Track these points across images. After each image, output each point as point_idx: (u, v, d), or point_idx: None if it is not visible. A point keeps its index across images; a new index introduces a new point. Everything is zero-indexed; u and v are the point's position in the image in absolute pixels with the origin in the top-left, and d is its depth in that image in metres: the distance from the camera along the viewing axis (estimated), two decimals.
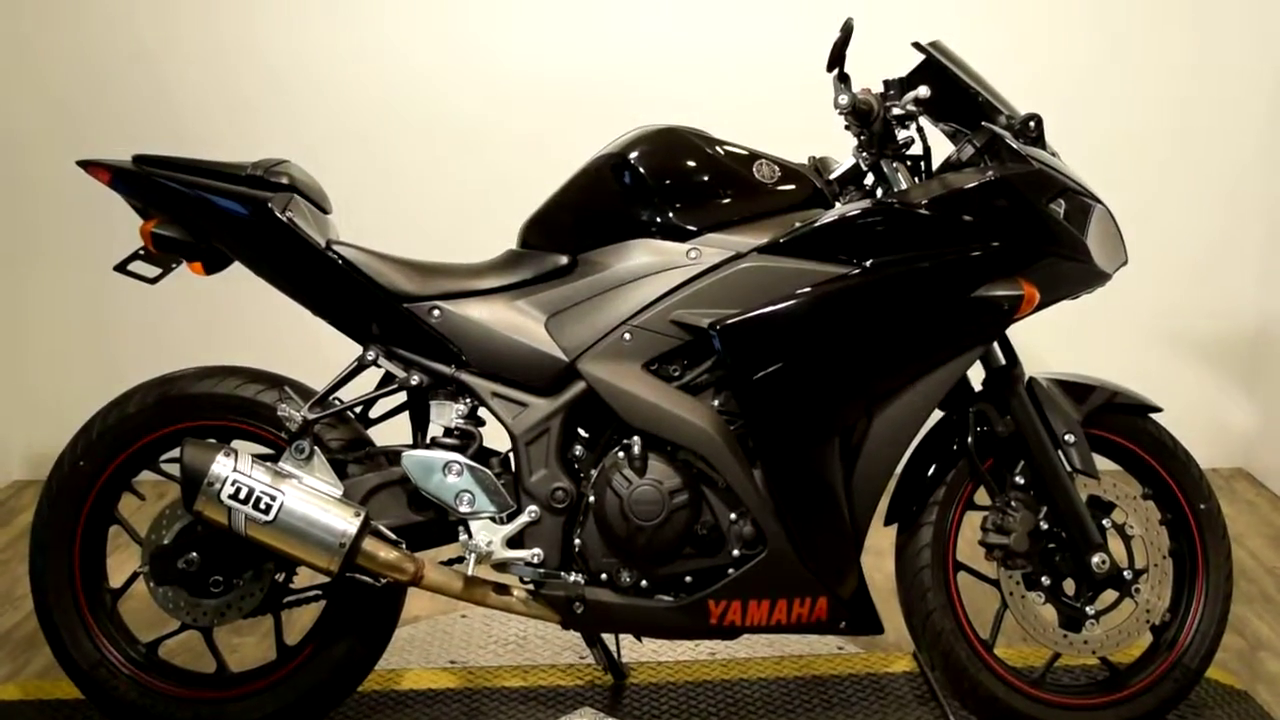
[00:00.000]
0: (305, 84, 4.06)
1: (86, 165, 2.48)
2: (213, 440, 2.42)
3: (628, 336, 2.41)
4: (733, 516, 2.44)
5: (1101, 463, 2.55)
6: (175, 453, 2.37)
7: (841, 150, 2.60)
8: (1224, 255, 4.26)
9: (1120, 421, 2.61)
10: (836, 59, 2.45)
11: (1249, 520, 3.96)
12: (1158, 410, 2.62)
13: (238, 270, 2.52)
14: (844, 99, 2.40)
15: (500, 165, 4.03)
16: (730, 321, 2.34)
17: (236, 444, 2.41)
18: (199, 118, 4.04)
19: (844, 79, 2.45)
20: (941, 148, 2.55)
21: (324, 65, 4.06)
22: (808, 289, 2.34)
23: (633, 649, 2.94)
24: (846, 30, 2.43)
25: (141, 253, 2.51)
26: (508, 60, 4.07)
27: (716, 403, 2.43)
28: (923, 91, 2.42)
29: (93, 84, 4.04)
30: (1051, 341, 3.74)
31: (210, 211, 2.43)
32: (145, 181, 2.44)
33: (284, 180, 2.44)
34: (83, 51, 4.03)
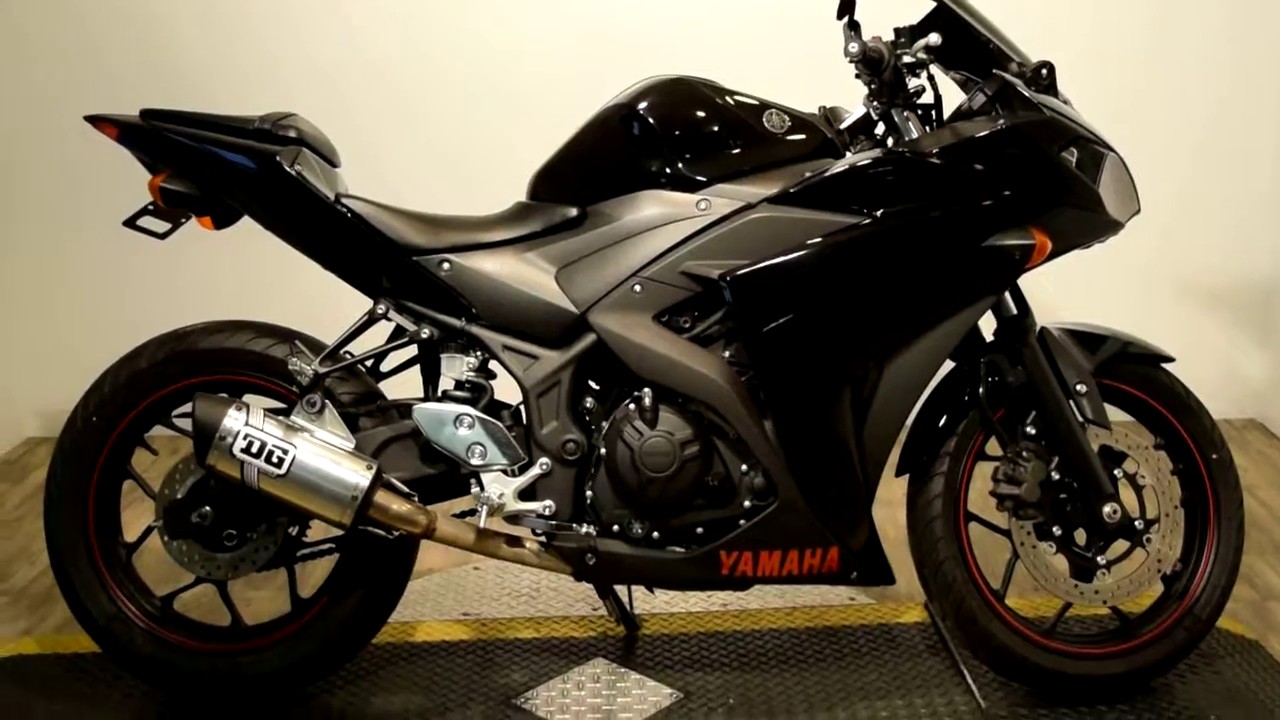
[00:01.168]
0: (318, 35, 4.04)
1: (94, 120, 2.47)
2: (224, 395, 2.42)
3: (638, 288, 2.40)
4: (744, 468, 2.44)
5: (1114, 413, 2.54)
6: (187, 408, 2.37)
7: (854, 99, 2.58)
8: (1239, 204, 4.23)
9: (1132, 371, 2.60)
10: (847, 6, 2.43)
11: (1261, 471, 3.95)
12: (1170, 360, 2.61)
13: (248, 224, 2.51)
14: (854, 47, 2.38)
15: (510, 116, 4.02)
16: (741, 272, 2.33)
17: (248, 398, 2.42)
18: (205, 71, 4.02)
19: (854, 27, 2.43)
20: (953, 96, 2.53)
21: (331, 14, 4.03)
22: (818, 239, 2.33)
23: (645, 600, 2.95)
24: None
25: (150, 208, 2.51)
26: (516, 10, 4.05)
27: (727, 354, 2.43)
28: (933, 39, 2.39)
29: (107, 37, 4.02)
30: (1064, 291, 3.72)
31: (219, 166, 2.42)
32: (153, 136, 2.44)
33: (292, 134, 2.43)
34: (97, 4, 4.01)
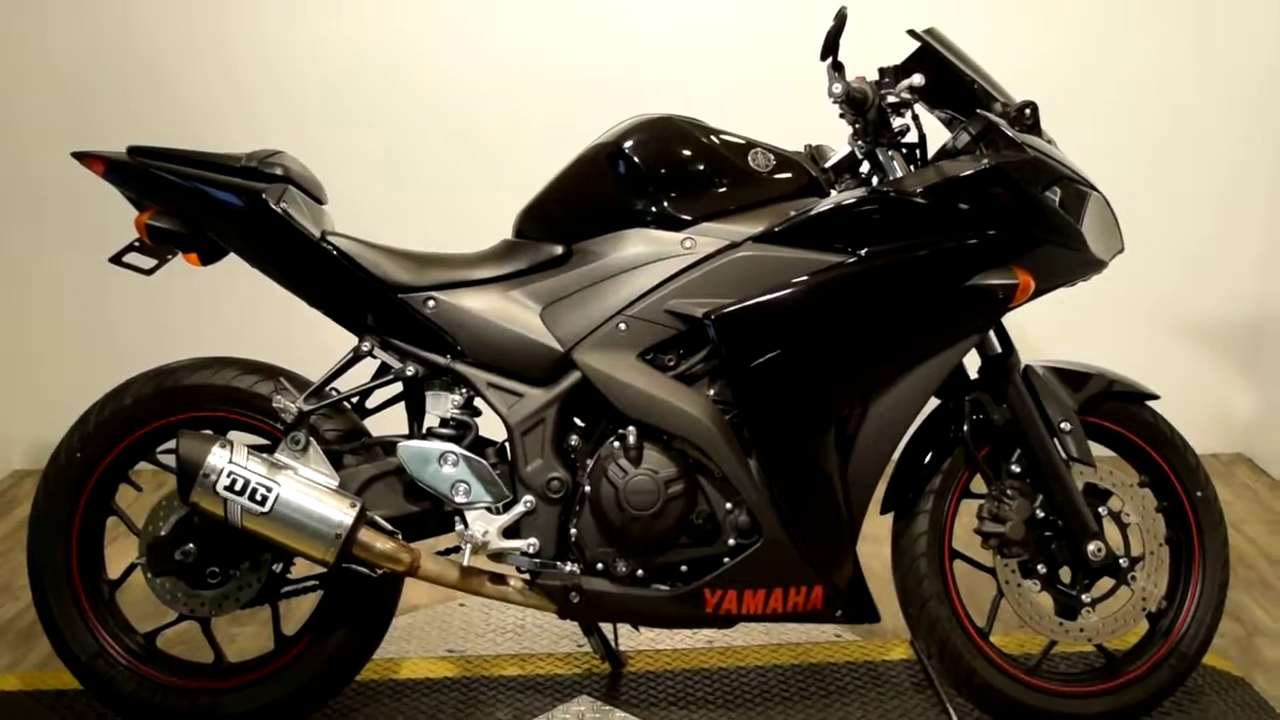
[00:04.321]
0: (303, 74, 4.05)
1: (81, 157, 2.48)
2: (209, 432, 2.43)
3: (623, 326, 2.41)
4: (728, 506, 2.44)
5: (1099, 450, 2.55)
6: (171, 444, 2.37)
7: (838, 138, 2.59)
8: (1225, 241, 4.25)
9: (1117, 409, 2.61)
10: (830, 47, 2.44)
11: (1248, 506, 3.95)
12: (1155, 398, 2.62)
13: (235, 260, 2.51)
14: (838, 87, 2.39)
15: (495, 155, 4.03)
16: (725, 311, 2.34)
17: (233, 435, 2.42)
18: (197, 107, 4.03)
19: (838, 67, 2.45)
20: (938, 135, 2.54)
21: (322, 54, 4.05)
22: (802, 278, 2.34)
23: (630, 637, 2.94)
24: (840, 19, 2.42)
25: (136, 244, 2.51)
26: (503, 49, 4.06)
27: (711, 392, 2.43)
28: (917, 79, 2.41)
29: (92, 74, 4.03)
30: (1051, 328, 3.74)
31: (205, 203, 2.43)
32: (139, 173, 2.44)
33: (278, 171, 2.44)
34: (83, 42, 4.02)
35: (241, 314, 3.86)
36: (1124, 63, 4.10)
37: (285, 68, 4.05)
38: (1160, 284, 4.24)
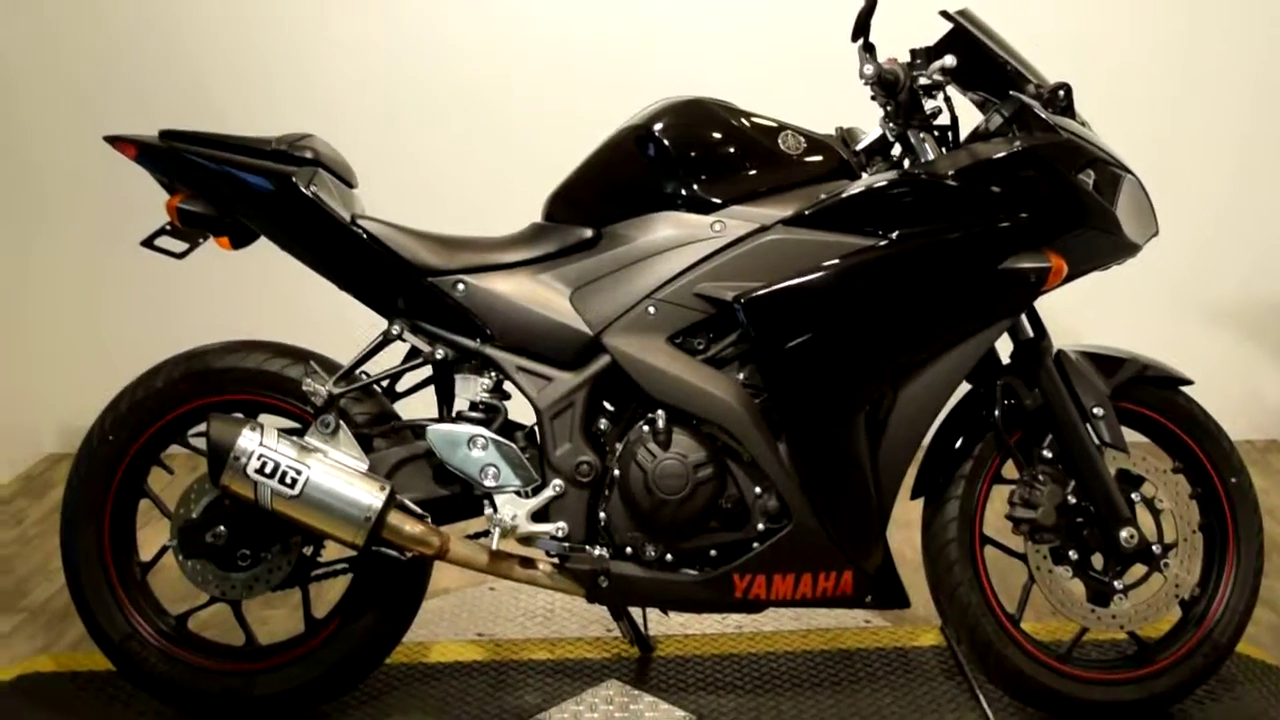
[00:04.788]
0: (330, 57, 4.07)
1: (113, 141, 2.49)
2: (239, 415, 2.44)
3: (652, 310, 2.40)
4: (757, 490, 2.43)
5: (1132, 436, 2.53)
6: (202, 427, 2.38)
7: (872, 121, 2.57)
8: (1260, 224, 4.21)
9: (1150, 394, 2.58)
10: (861, 28, 2.43)
11: None
12: (1189, 383, 2.59)
13: (266, 244, 2.52)
14: (869, 69, 2.38)
15: (526, 138, 4.03)
16: (755, 294, 2.33)
17: (263, 418, 2.43)
18: (222, 92, 4.05)
19: (869, 49, 2.43)
20: (971, 117, 2.52)
21: (348, 38, 4.06)
22: (833, 261, 2.33)
23: (659, 622, 2.94)
24: (871, 0, 2.40)
25: (168, 228, 2.52)
26: (534, 31, 4.06)
27: (741, 376, 2.43)
28: (949, 61, 2.39)
29: (115, 59, 4.06)
30: (1080, 312, 3.71)
31: (236, 186, 2.43)
32: (171, 157, 2.45)
33: (309, 155, 2.45)
34: (104, 27, 4.05)
35: (273, 297, 3.87)
36: (1159, 44, 4.07)
37: (314, 51, 4.06)
38: (1195, 268, 4.20)
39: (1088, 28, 4.03)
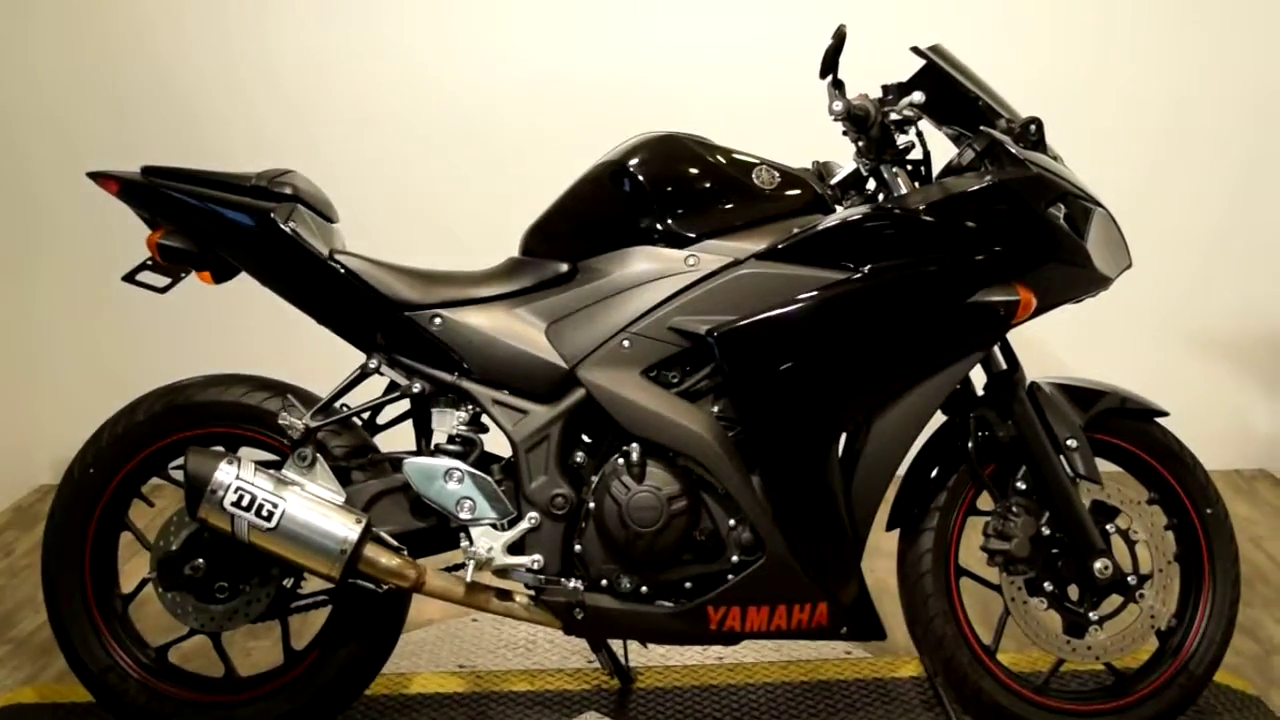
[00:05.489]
0: (312, 91, 4.10)
1: (96, 177, 2.52)
2: (217, 448, 2.46)
3: (626, 343, 2.42)
4: (731, 523, 2.45)
5: (1106, 467, 2.54)
6: (182, 460, 2.40)
7: (849, 154, 2.59)
8: (1250, 255, 4.23)
9: (1126, 426, 2.59)
10: (830, 65, 2.46)
11: (1271, 523, 3.91)
12: (1164, 415, 2.61)
13: (250, 279, 2.54)
14: (838, 105, 2.40)
15: (502, 172, 4.06)
16: (728, 328, 2.35)
17: (242, 451, 2.45)
18: (207, 125, 4.08)
19: (838, 85, 2.46)
20: (946, 151, 2.54)
21: (331, 71, 4.10)
22: (806, 294, 2.35)
23: (640, 654, 2.95)
24: (839, 37, 2.43)
25: (150, 263, 2.55)
26: (511, 66, 4.10)
27: (715, 409, 2.44)
28: (917, 97, 2.41)
29: (102, 93, 4.10)
30: (1067, 342, 3.73)
31: (216, 222, 2.46)
32: (152, 193, 2.48)
33: (288, 190, 2.47)
34: (91, 61, 4.09)
35: (275, 328, 3.87)
36: (1130, 77, 4.09)
37: (297, 85, 4.10)
38: (1181, 298, 4.22)
39: (1079, 59, 4.05)
